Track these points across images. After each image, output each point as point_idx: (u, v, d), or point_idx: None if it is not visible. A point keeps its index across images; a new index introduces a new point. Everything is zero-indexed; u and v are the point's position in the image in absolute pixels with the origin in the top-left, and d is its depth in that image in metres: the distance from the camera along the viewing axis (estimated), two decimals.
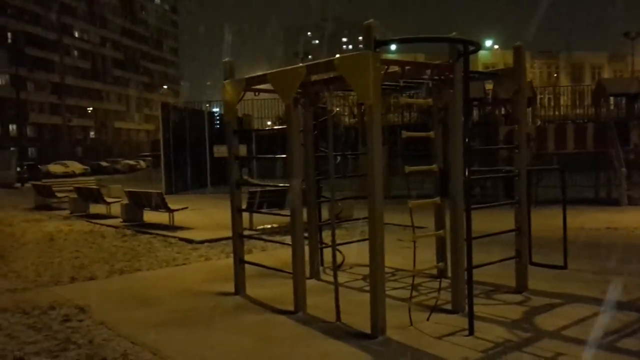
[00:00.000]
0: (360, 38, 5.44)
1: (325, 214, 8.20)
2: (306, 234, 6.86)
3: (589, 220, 11.68)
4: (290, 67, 6.23)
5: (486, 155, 15.87)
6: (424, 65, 6.61)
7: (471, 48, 5.54)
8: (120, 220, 14.27)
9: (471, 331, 5.12)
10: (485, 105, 18.60)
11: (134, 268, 8.74)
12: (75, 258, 9.66)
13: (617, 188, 15.03)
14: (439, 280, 6.20)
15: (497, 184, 15.59)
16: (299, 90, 6.16)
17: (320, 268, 7.73)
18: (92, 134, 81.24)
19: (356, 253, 7.54)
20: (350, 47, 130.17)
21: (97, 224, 14.19)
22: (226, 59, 6.90)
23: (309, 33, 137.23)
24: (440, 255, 7.01)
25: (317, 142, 7.74)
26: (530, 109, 17.20)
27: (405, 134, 5.82)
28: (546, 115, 28.57)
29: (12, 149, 43.77)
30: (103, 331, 5.61)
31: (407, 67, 6.06)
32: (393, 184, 16.71)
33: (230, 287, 6.94)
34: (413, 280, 5.84)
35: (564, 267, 7.28)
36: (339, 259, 6.31)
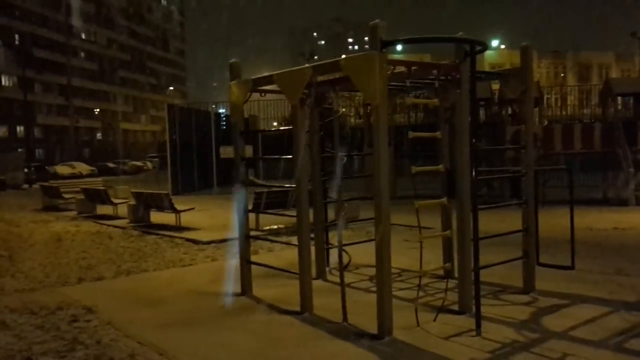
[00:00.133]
0: (366, 38, 5.44)
1: (331, 215, 8.20)
2: (312, 235, 6.88)
3: (597, 221, 11.62)
4: (296, 67, 6.23)
5: (493, 156, 15.82)
6: (431, 65, 6.60)
7: (478, 48, 5.52)
8: (127, 221, 14.32)
9: (478, 332, 5.10)
10: (492, 105, 18.53)
11: (141, 269, 8.76)
12: (82, 259, 9.70)
13: (624, 188, 14.95)
14: (445, 280, 6.18)
15: (504, 184, 15.53)
16: (305, 91, 6.15)
17: (327, 269, 7.73)
18: (99, 135, 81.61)
19: (362, 254, 7.53)
20: (356, 47, 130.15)
21: (104, 224, 14.24)
22: (232, 60, 6.92)
23: (314, 34, 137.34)
24: (447, 256, 6.99)
25: (323, 143, 7.74)
26: (537, 108, 17.14)
27: (411, 134, 5.81)
28: (553, 115, 28.46)
29: (19, 150, 44.08)
30: (110, 331, 5.63)
31: (413, 68, 6.05)
32: (399, 184, 16.69)
33: (237, 288, 6.95)
34: (420, 281, 5.83)
35: (572, 267, 7.25)
36: (345, 259, 6.30)
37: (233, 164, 7.04)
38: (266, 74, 6.56)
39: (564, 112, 29.63)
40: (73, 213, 17.15)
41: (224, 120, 27.24)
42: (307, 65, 6.14)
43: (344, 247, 6.15)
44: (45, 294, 7.28)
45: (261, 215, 11.94)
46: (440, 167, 6.44)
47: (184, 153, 23.86)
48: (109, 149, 75.90)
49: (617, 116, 17.62)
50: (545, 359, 4.57)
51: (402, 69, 6.05)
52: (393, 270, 5.67)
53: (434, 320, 5.52)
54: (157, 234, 12.15)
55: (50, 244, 11.42)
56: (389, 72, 5.35)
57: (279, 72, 6.26)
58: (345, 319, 5.58)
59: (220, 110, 28.94)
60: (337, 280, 6.00)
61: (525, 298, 6.28)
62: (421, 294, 6.01)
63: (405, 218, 8.99)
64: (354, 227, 11.06)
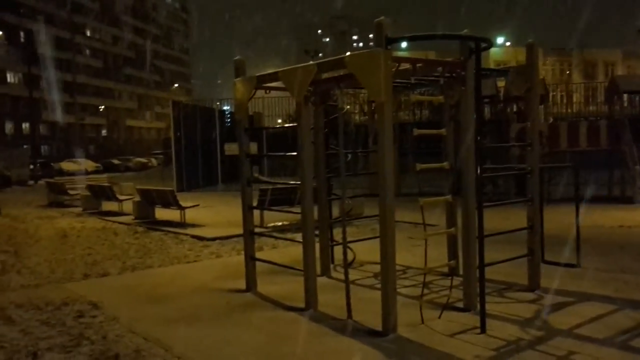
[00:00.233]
0: (371, 36, 5.43)
1: (336, 212, 8.20)
2: (317, 232, 6.88)
3: (602, 218, 11.58)
4: (301, 64, 6.23)
5: (498, 153, 15.78)
6: (436, 62, 6.58)
7: (483, 45, 5.51)
8: (132, 217, 14.38)
9: (483, 329, 5.10)
10: (497, 102, 18.48)
11: (146, 265, 8.79)
12: (88, 255, 9.75)
13: (630, 186, 14.88)
14: (450, 278, 6.17)
15: (509, 181, 15.49)
16: (310, 88, 6.15)
17: (331, 265, 7.74)
18: (104, 132, 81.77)
19: (367, 251, 7.54)
20: (361, 45, 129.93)
21: (110, 221, 14.30)
22: (237, 57, 6.92)
23: (319, 31, 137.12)
24: (452, 253, 6.99)
25: (328, 140, 7.74)
26: (542, 106, 17.06)
27: (416, 131, 5.80)
28: (559, 113, 28.38)
29: (24, 146, 44.22)
30: (116, 327, 5.65)
31: (418, 65, 6.04)
32: (404, 181, 16.67)
33: (242, 284, 6.97)
34: (424, 278, 5.83)
35: (577, 265, 7.24)
36: (349, 256, 6.31)
37: (238, 161, 7.05)
38: (271, 71, 6.56)
39: (569, 110, 29.54)
40: (78, 209, 17.22)
41: (228, 117, 27.27)
42: (311, 62, 6.14)
43: (349, 244, 6.16)
44: (51, 289, 7.31)
45: (265, 212, 11.97)
46: (445, 164, 6.43)
47: (189, 150, 23.90)
48: (114, 145, 76.07)
49: (623, 113, 17.55)
50: (550, 356, 4.56)
51: (407, 66, 6.05)
52: (398, 268, 5.66)
53: (439, 317, 5.52)
54: (162, 231, 12.19)
55: (56, 240, 11.47)
56: (393, 69, 5.34)
57: (283, 69, 6.26)
58: (349, 315, 5.59)
59: (225, 107, 28.98)
60: (342, 277, 6.01)
61: (530, 296, 6.27)
62: (426, 291, 6.01)
63: (410, 215, 8.99)
64: (359, 224, 11.07)
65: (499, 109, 18.97)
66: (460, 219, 5.96)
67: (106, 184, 18.25)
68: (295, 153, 6.29)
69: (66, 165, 47.19)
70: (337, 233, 7.55)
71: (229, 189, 21.36)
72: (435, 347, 4.82)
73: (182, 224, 12.80)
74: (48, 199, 19.98)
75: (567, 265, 7.16)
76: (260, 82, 6.63)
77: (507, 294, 6.37)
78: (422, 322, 5.37)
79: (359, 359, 4.67)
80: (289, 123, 24.61)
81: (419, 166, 5.55)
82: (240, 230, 7.33)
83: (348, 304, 5.62)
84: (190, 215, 13.33)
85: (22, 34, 64.11)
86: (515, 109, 17.22)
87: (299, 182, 6.16)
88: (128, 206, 15.29)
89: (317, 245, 6.76)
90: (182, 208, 13.10)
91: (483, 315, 5.13)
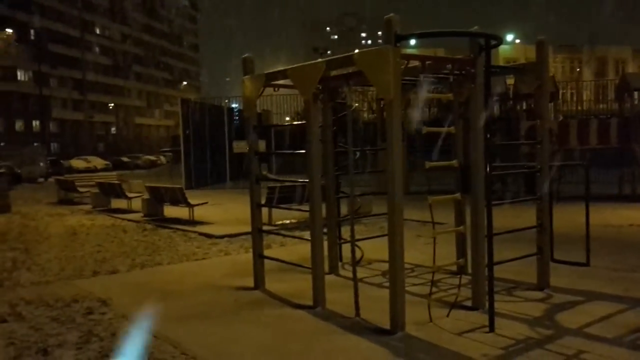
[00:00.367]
0: (380, 33, 5.42)
1: (344, 210, 8.19)
2: (325, 230, 6.87)
3: (612, 217, 11.50)
4: (309, 62, 6.22)
5: (507, 151, 15.68)
6: (445, 59, 6.56)
7: (493, 42, 5.47)
8: (141, 214, 14.44)
9: (492, 328, 5.08)
10: (507, 100, 18.37)
11: (155, 262, 8.83)
12: (97, 252, 9.80)
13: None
14: (459, 276, 6.15)
15: (518, 179, 15.41)
16: (318, 86, 6.14)
17: (339, 263, 7.73)
18: (113, 129, 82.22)
19: (375, 249, 7.53)
20: (370, 42, 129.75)
21: (119, 218, 14.37)
22: (245, 55, 6.92)
23: (327, 28, 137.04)
24: (461, 252, 6.96)
25: (336, 138, 7.73)
26: (552, 104, 16.95)
27: (425, 129, 5.78)
28: (569, 110, 28.18)
29: (35, 144, 44.51)
30: (125, 324, 5.68)
31: (427, 62, 6.02)
32: (413, 179, 16.63)
33: (250, 282, 6.98)
34: (433, 277, 5.81)
35: (587, 264, 7.17)
36: (358, 254, 6.30)
37: (246, 159, 7.06)
38: (280, 68, 6.56)
39: (579, 107, 29.33)
40: (88, 207, 17.33)
41: (237, 115, 27.32)
42: (320, 59, 6.13)
43: (357, 242, 6.15)
44: (61, 286, 7.36)
45: (274, 210, 11.97)
46: (454, 162, 6.40)
47: (197, 147, 23.97)
48: (123, 143, 76.47)
49: (633, 111, 17.40)
50: (559, 356, 4.54)
51: (416, 63, 6.02)
52: (406, 266, 5.65)
53: (447, 316, 5.50)
54: (171, 228, 12.23)
55: (66, 237, 11.55)
56: (402, 67, 5.32)
57: (292, 66, 6.26)
58: (357, 313, 5.58)
59: (234, 105, 29.04)
60: (350, 275, 6.00)
61: (539, 294, 6.24)
62: (434, 289, 5.99)
63: (419, 213, 8.96)
64: (367, 222, 11.05)
65: (508, 107, 18.86)
66: (469, 217, 5.94)
67: (115, 182, 18.34)
68: (303, 151, 6.28)
69: (76, 163, 47.47)
70: (346, 231, 7.54)
71: (237, 186, 21.41)
72: (444, 345, 4.80)
73: (191, 222, 12.84)
74: (58, 196, 20.12)
75: (576, 264, 7.10)
76: (268, 79, 6.63)
77: (516, 293, 6.34)
78: (431, 321, 5.36)
79: (367, 357, 4.67)
80: (298, 121, 24.63)
81: (428, 164, 5.53)
82: (248, 228, 7.35)
83: (356, 302, 5.62)
84: (199, 212, 13.37)
85: (32, 32, 64.54)
86: (525, 107, 17.12)
87: (307, 180, 6.16)
88: (137, 204, 15.36)
89: (325, 243, 6.75)
90: (190, 205, 13.15)
91: (492, 313, 5.11)
